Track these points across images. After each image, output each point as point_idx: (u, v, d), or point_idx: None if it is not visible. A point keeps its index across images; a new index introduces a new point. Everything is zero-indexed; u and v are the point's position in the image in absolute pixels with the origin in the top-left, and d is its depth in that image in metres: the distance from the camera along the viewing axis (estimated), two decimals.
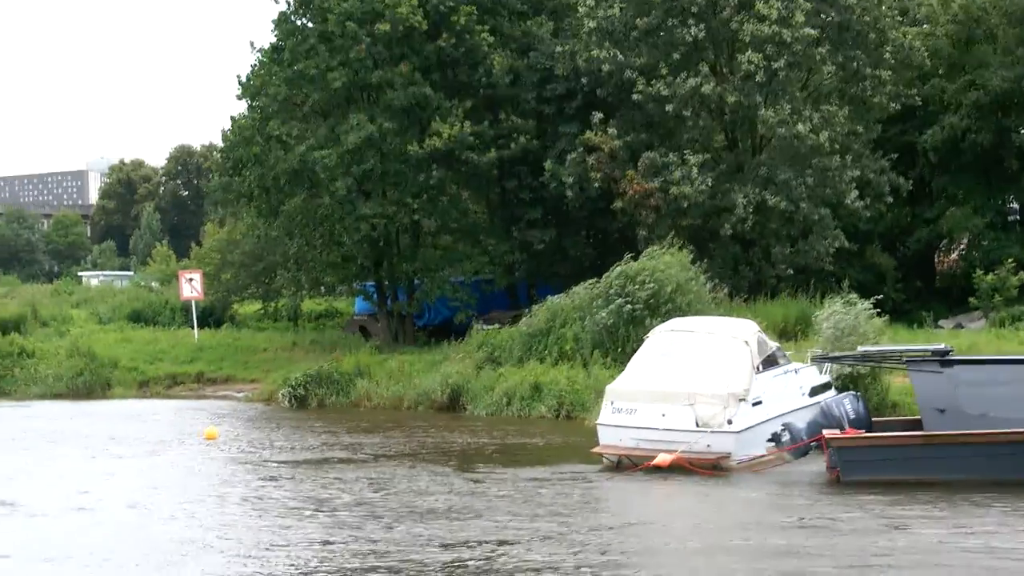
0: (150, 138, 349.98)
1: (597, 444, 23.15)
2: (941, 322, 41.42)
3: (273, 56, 43.76)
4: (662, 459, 21.15)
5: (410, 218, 42.16)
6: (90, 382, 43.91)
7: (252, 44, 45.02)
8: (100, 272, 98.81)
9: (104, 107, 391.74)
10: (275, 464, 26.00)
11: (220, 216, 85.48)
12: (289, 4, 43.59)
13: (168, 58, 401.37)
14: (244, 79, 44.10)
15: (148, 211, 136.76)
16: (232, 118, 44.86)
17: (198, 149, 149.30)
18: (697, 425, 21.45)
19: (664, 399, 21.72)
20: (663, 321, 32.25)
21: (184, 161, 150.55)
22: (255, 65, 44.42)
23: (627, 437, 22.04)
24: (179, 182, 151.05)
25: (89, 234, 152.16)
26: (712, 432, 21.30)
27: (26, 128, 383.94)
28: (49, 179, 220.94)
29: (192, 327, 51.44)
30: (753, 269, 39.93)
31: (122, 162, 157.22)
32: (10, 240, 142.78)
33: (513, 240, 43.15)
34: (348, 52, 40.87)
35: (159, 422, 35.34)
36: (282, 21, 43.51)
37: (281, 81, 42.26)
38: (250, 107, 44.00)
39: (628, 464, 22.10)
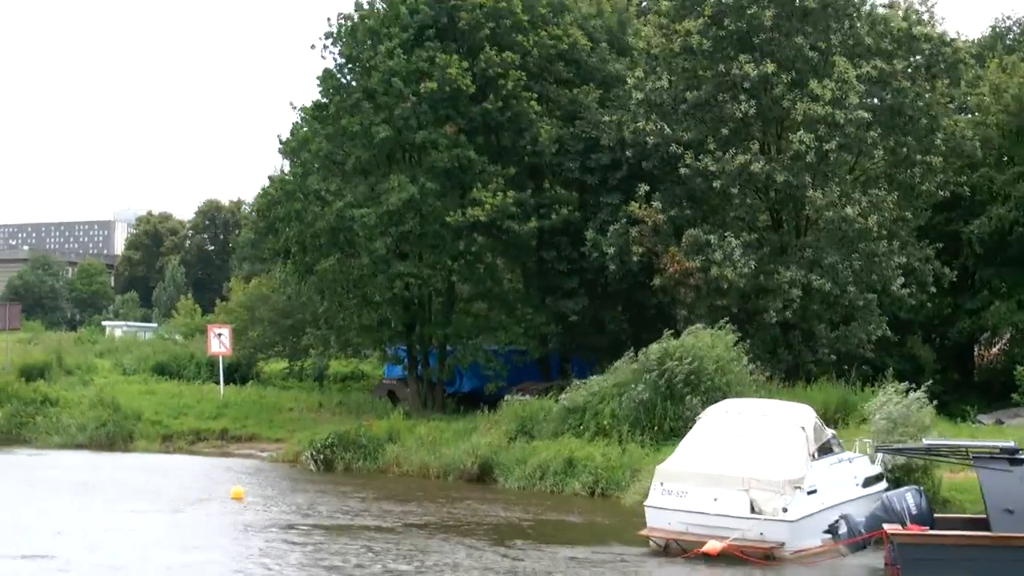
0: (178, 192, 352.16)
1: (644, 525, 22.31)
2: (980, 416, 40.40)
3: (315, 113, 43.36)
4: (712, 547, 20.27)
5: (446, 281, 41.53)
6: (113, 433, 43.18)
7: (292, 104, 44.63)
8: (124, 322, 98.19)
9: (133, 159, 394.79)
10: (303, 528, 25.24)
11: (246, 272, 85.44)
12: (335, 60, 43.26)
13: (198, 114, 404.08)
14: (285, 137, 43.77)
15: (173, 264, 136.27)
16: (270, 177, 44.48)
17: (226, 204, 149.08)
18: (751, 511, 20.57)
19: (717, 483, 20.87)
20: (702, 399, 31.86)
21: (212, 216, 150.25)
22: (297, 123, 44.05)
23: (676, 520, 21.18)
24: (206, 236, 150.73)
25: (113, 284, 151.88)
26: (766, 520, 20.43)
27: (55, 176, 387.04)
28: (76, 227, 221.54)
29: (218, 382, 50.79)
30: (792, 352, 39.07)
31: (150, 214, 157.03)
32: (34, 286, 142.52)
33: (547, 310, 42.39)
34: (392, 110, 40.43)
35: (183, 478, 34.58)
36: (327, 78, 43.13)
37: (323, 137, 41.85)
38: (292, 164, 43.53)
39: (676, 549, 21.20)
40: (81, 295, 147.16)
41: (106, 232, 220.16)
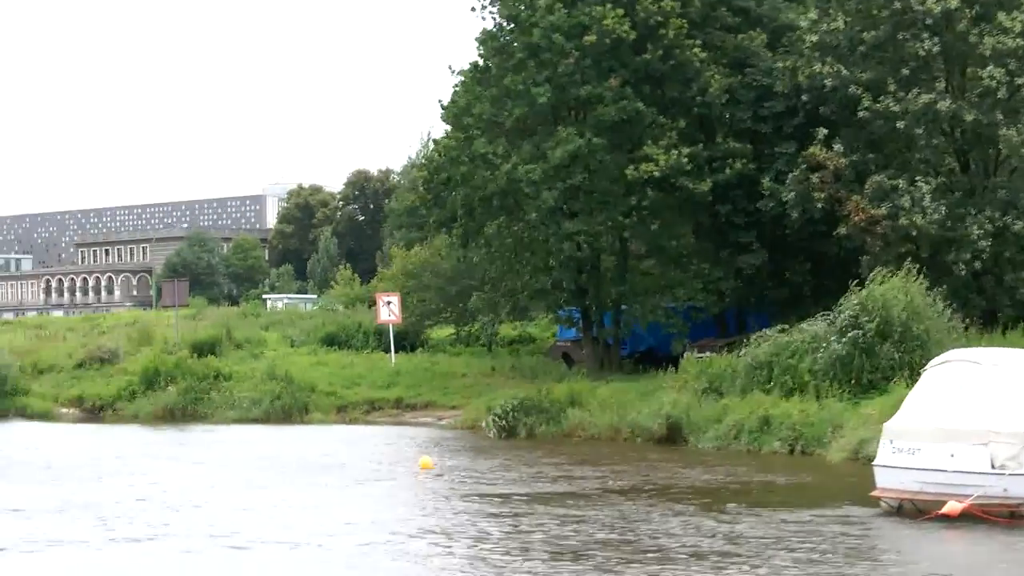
0: (326, 163, 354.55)
1: (854, 484, 21.08)
2: None
3: (475, 75, 42.54)
4: (952, 507, 18.93)
5: (618, 239, 40.49)
6: (288, 406, 43.11)
7: (451, 68, 43.80)
8: (284, 295, 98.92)
9: (281, 132, 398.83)
10: (499, 497, 24.38)
11: (402, 239, 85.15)
12: (495, 20, 42.39)
13: (342, 85, 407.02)
14: (446, 102, 43.06)
15: (326, 236, 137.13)
16: (435, 141, 43.83)
17: (375, 174, 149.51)
18: (992, 467, 19.18)
19: (953, 437, 19.49)
20: (899, 350, 30.47)
21: (361, 186, 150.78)
22: (457, 87, 43.33)
23: (910, 480, 19.84)
24: (356, 207, 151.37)
25: (267, 258, 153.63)
26: (1010, 475, 19.02)
27: (206, 153, 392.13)
28: (228, 203, 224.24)
29: (388, 351, 50.45)
30: (985, 297, 37.25)
31: (300, 187, 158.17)
32: (192, 263, 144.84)
33: (723, 264, 41.11)
34: (556, 67, 39.46)
35: (364, 449, 34.17)
36: (487, 39, 42.30)
37: (486, 100, 41.04)
38: (454, 129, 42.83)
39: (911, 510, 19.90)
40: (237, 270, 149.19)
41: (257, 207, 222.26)
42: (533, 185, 38.97)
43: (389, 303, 47.59)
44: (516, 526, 21.07)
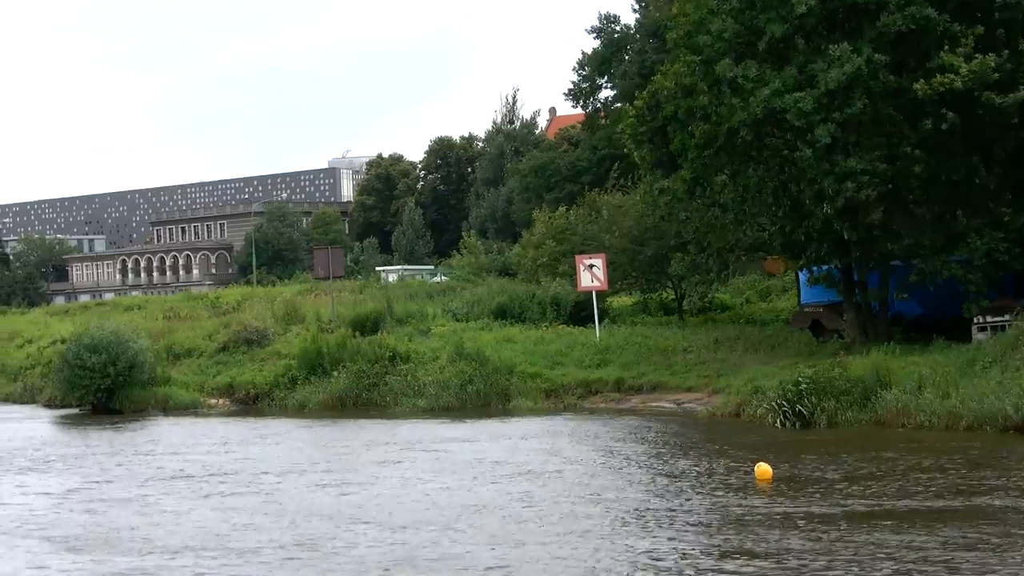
0: (396, 133, 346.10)
1: None
2: None
3: None
4: None
5: (900, 178, 32.92)
6: (484, 392, 35.94)
7: None
8: (399, 267, 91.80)
9: (346, 104, 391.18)
10: (870, 517, 17.26)
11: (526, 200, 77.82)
12: None
13: (408, 53, 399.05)
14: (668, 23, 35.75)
15: (410, 206, 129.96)
16: (659, 71, 36.46)
17: (457, 141, 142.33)
18: None
19: None
20: None
21: (444, 154, 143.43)
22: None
23: None
24: (438, 176, 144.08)
25: (346, 231, 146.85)
26: None
27: (277, 128, 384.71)
28: (301, 177, 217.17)
29: (567, 323, 43.37)
30: None
31: (380, 156, 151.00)
32: (273, 238, 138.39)
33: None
34: None
35: (632, 447, 26.84)
36: None
37: (726, 14, 33.55)
38: (684, 51, 35.30)
39: None
40: (318, 244, 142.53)
41: (331, 180, 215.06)
42: (803, 116, 31.45)
43: (592, 266, 40.12)
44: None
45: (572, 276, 50.46)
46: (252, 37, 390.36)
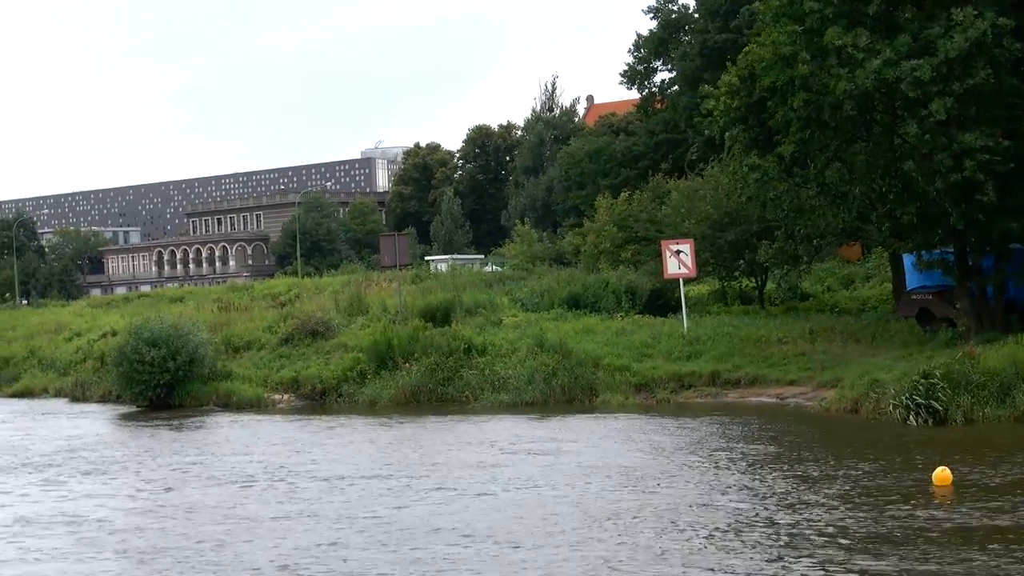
0: (428, 122, 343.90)
1: None
2: None
3: None
4: None
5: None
6: (569, 386, 33.69)
7: None
8: (449, 256, 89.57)
9: (379, 95, 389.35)
10: None
11: (608, 185, 75.16)
12: None
13: (441, 44, 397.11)
14: None
15: (448, 196, 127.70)
16: (755, 41, 34.09)
17: (495, 129, 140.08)
18: None
19: None
20: None
21: (482, 143, 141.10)
22: None
23: None
24: (476, 165, 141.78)
25: (384, 221, 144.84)
26: None
27: (309, 118, 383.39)
28: (336, 167, 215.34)
29: (643, 312, 41.16)
30: None
31: (417, 146, 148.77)
32: (311, 229, 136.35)
33: None
34: None
35: (741, 447, 24.55)
36: None
37: None
38: (780, 24, 32.85)
39: None
40: (356, 235, 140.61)
41: (367, 170, 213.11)
42: (919, 87, 29.04)
43: (679, 252, 37.73)
44: None
45: (635, 264, 48.33)
46: (280, 26, 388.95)
